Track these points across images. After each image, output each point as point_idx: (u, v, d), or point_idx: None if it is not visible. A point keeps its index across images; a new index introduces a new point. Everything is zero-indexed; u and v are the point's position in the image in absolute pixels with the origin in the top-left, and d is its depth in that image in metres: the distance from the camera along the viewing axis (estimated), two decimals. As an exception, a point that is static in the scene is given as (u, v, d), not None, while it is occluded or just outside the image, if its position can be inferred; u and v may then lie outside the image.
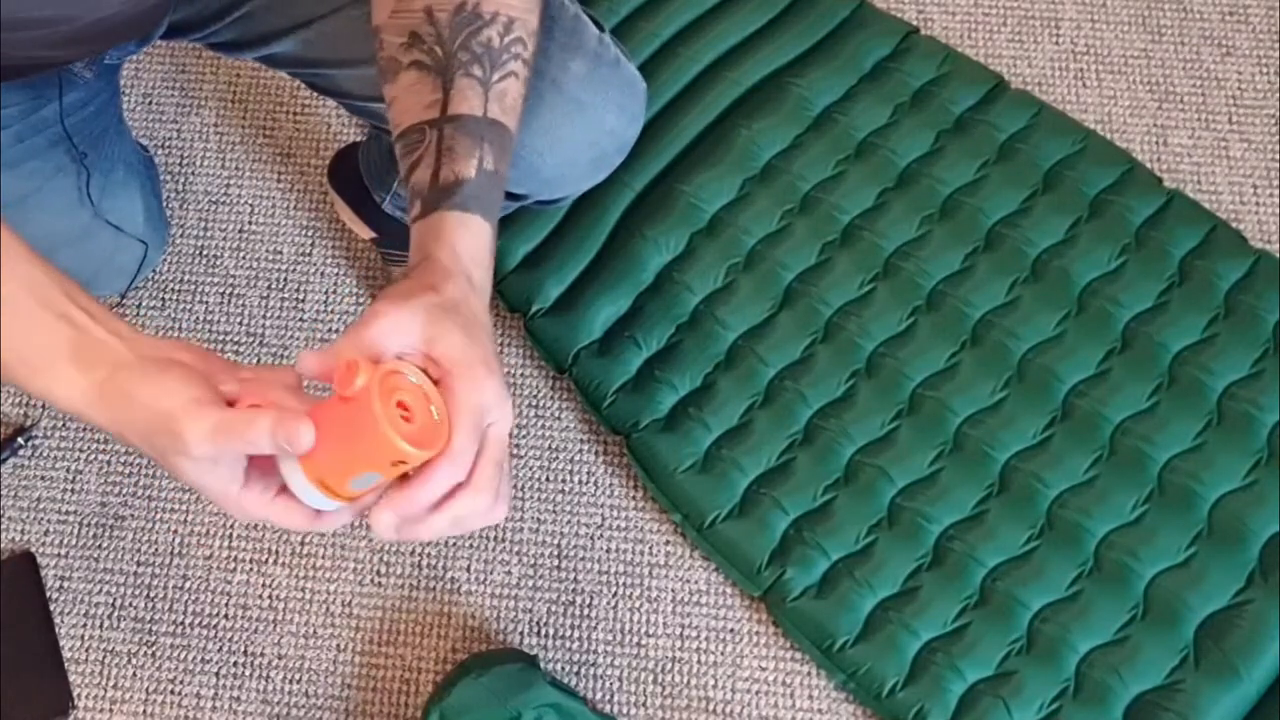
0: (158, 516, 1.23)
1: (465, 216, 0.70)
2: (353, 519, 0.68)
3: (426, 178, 0.71)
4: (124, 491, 1.24)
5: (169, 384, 0.61)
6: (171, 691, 1.17)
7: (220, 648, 1.18)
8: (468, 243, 0.69)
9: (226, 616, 1.19)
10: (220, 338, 1.30)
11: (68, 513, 1.23)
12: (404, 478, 0.64)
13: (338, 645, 1.18)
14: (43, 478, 1.24)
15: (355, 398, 0.60)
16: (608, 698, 1.16)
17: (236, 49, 0.96)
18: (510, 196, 0.92)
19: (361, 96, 0.92)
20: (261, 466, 0.64)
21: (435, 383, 0.64)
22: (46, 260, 0.65)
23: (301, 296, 1.32)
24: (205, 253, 1.33)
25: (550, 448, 1.25)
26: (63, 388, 0.62)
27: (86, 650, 1.18)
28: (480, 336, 0.65)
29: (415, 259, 0.69)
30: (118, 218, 1.12)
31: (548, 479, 1.24)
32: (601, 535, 1.22)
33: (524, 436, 1.25)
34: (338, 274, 1.33)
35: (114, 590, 1.20)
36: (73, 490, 1.24)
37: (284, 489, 0.64)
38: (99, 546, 1.22)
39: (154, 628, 1.19)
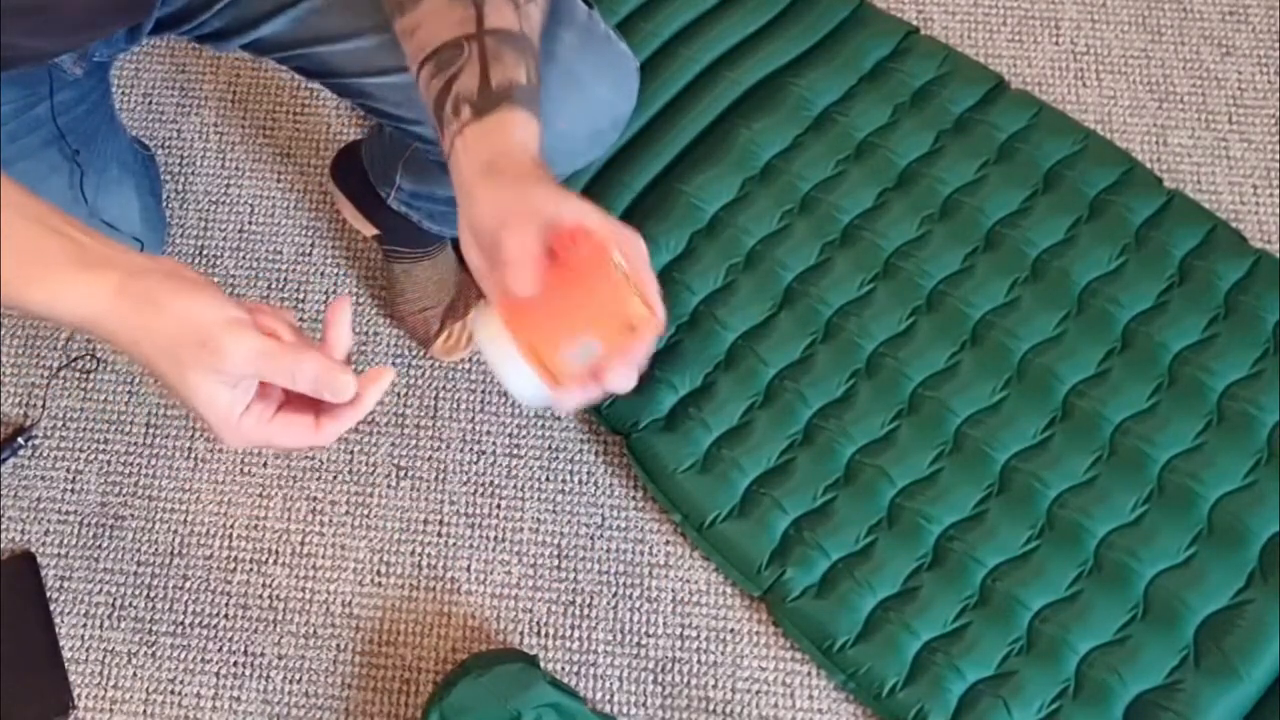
0: (158, 516, 1.23)
1: (528, 115, 0.69)
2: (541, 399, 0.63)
3: (474, 84, 0.69)
4: (124, 491, 1.24)
5: (204, 298, 0.60)
6: (171, 691, 1.17)
7: (220, 648, 1.18)
8: (535, 140, 0.69)
9: (226, 616, 1.19)
10: (220, 338, 1.30)
11: (68, 513, 1.23)
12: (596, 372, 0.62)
13: (338, 645, 1.18)
14: (43, 478, 1.24)
15: (580, 254, 0.59)
16: (608, 698, 1.16)
17: (224, 38, 0.95)
18: None
19: (352, 72, 0.92)
20: (265, 390, 0.63)
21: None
22: (37, 195, 0.63)
23: (301, 296, 1.32)
24: (205, 253, 1.33)
25: (550, 448, 1.25)
26: (71, 293, 0.60)
27: (86, 650, 1.18)
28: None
29: (482, 158, 0.67)
30: (112, 216, 1.12)
31: (548, 479, 1.24)
32: (601, 535, 1.22)
33: (524, 437, 1.25)
34: (338, 274, 1.33)
35: (114, 590, 1.20)
36: (73, 490, 1.24)
37: (281, 408, 0.64)
38: (99, 546, 1.22)
39: (154, 628, 1.19)
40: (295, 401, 0.64)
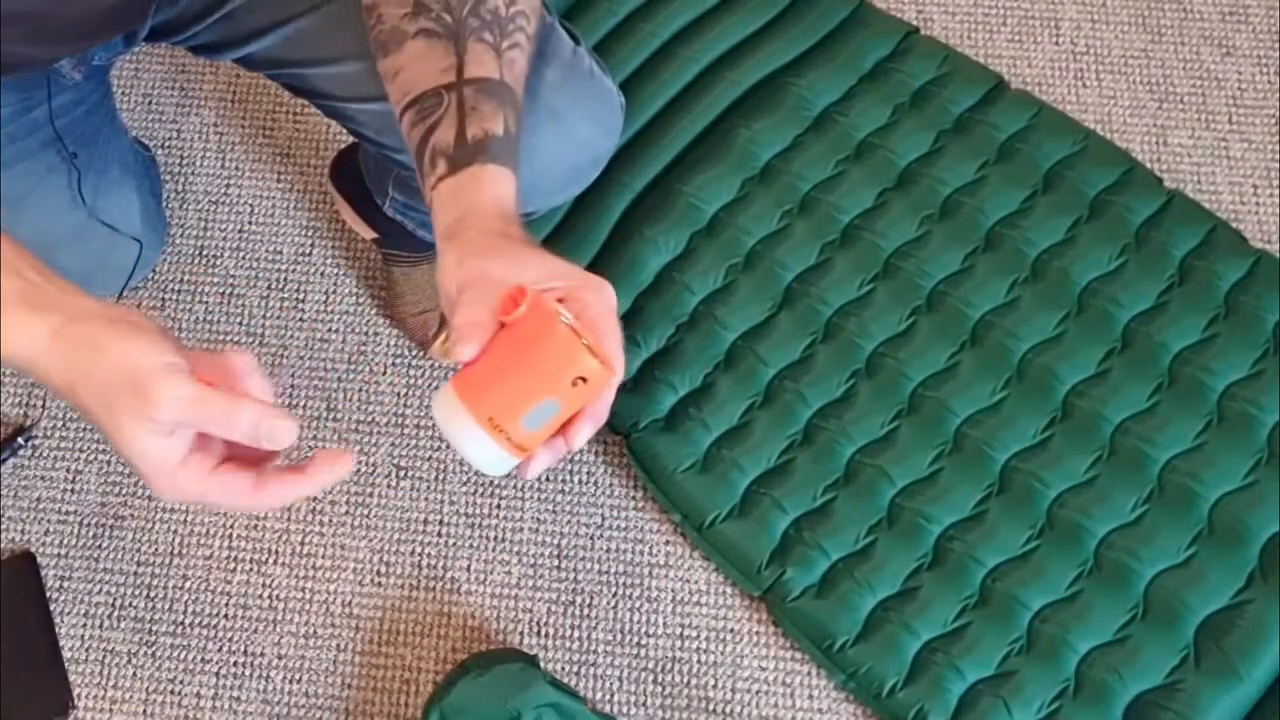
0: (158, 516, 1.23)
1: (500, 170, 0.69)
2: (509, 467, 0.64)
3: (450, 137, 0.70)
4: (124, 491, 1.24)
5: (143, 343, 0.59)
6: (171, 691, 1.17)
7: (220, 648, 1.18)
8: (507, 194, 0.69)
9: (226, 616, 1.19)
10: (220, 338, 1.30)
11: (68, 513, 1.23)
12: (567, 424, 0.62)
13: (338, 645, 1.18)
14: (43, 478, 1.24)
15: (526, 318, 0.59)
16: (608, 698, 1.16)
17: (216, 51, 0.96)
18: None
19: (337, 96, 0.92)
20: (204, 442, 0.62)
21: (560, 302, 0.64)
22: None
23: (301, 296, 1.32)
24: (205, 253, 1.33)
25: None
26: (12, 332, 0.59)
27: (86, 650, 1.18)
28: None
29: (452, 215, 0.68)
30: (112, 217, 1.12)
31: (548, 479, 1.24)
32: (601, 535, 1.22)
33: (524, 436, 1.25)
34: (337, 274, 1.33)
35: (114, 590, 1.20)
36: (73, 490, 1.24)
37: (222, 464, 0.62)
38: (99, 546, 1.22)
39: (154, 628, 1.19)
40: (238, 460, 0.63)
